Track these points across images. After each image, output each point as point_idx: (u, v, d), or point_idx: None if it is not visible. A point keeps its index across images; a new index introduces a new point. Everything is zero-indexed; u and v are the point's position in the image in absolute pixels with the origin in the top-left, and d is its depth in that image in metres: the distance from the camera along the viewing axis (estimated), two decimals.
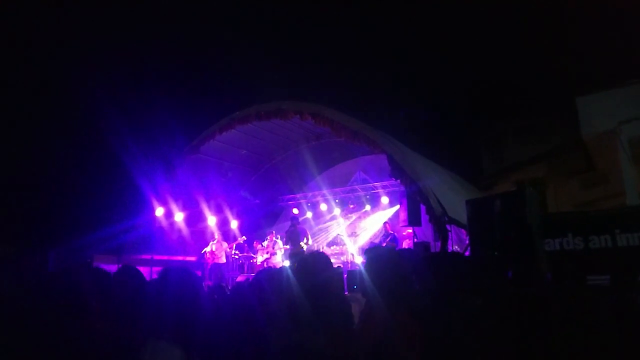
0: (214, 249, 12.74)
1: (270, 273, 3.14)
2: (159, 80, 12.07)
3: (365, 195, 15.05)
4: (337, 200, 15.42)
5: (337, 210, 15.37)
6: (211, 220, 14.29)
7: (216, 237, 13.21)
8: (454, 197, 10.10)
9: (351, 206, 15.42)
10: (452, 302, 2.70)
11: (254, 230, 15.18)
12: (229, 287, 11.50)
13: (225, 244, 13.05)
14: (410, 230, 12.35)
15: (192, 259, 13.81)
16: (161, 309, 2.42)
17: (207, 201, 14.12)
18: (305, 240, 12.24)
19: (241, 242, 13.54)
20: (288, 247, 12.53)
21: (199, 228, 14.36)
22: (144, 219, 12.20)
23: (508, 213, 5.07)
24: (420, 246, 10.61)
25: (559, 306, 3.04)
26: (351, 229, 15.10)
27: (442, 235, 9.56)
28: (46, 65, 10.52)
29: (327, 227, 15.78)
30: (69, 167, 11.25)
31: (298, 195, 16.21)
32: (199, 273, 12.55)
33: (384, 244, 12.08)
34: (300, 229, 12.56)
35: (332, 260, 10.12)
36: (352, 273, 9.40)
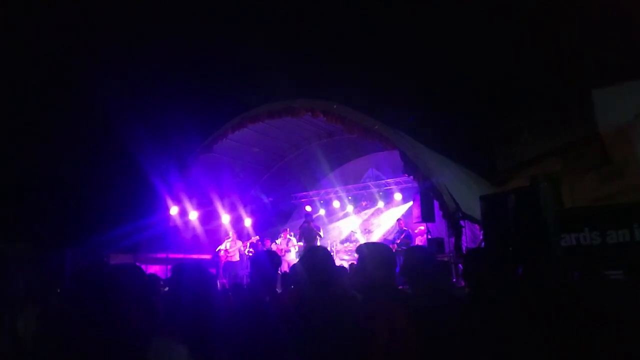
0: (228, 247, 12.80)
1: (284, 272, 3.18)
2: (173, 80, 12.15)
3: (378, 192, 15.00)
4: (350, 197, 15.40)
5: (350, 207, 15.36)
6: (225, 219, 14.36)
7: (230, 235, 13.28)
8: (468, 193, 10.03)
9: (364, 203, 15.39)
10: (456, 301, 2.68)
11: (267, 228, 15.23)
12: (244, 285, 11.57)
13: (239, 243, 13.11)
14: (423, 227, 12.30)
15: (207, 257, 13.88)
16: (173, 306, 2.43)
17: (221, 199, 14.19)
18: (318, 238, 12.26)
19: (254, 241, 13.58)
20: (302, 244, 12.55)
21: (213, 226, 14.43)
22: (158, 217, 12.30)
23: (523, 208, 5.00)
24: (434, 242, 10.56)
25: (584, 301, 3.00)
26: (364, 225, 15.08)
27: (455, 231, 9.51)
28: (64, 66, 10.63)
29: (341, 224, 15.78)
30: (85, 167, 11.38)
31: (311, 193, 16.21)
32: (213, 271, 12.62)
33: (398, 241, 12.05)
34: (313, 226, 12.58)
35: (346, 257, 10.19)
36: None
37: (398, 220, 12.96)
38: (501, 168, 12.28)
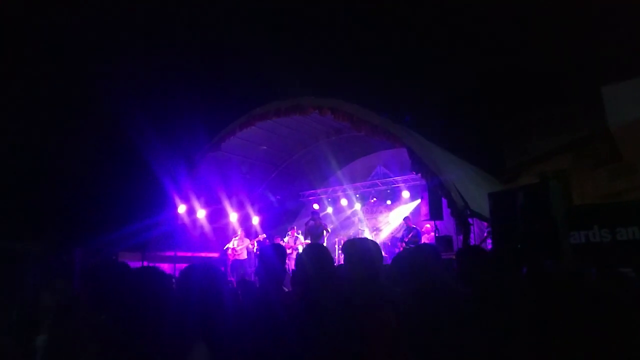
0: (235, 245, 12.84)
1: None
2: (181, 78, 12.19)
3: (386, 189, 14.97)
4: (357, 195, 15.39)
5: (357, 205, 15.35)
6: (233, 217, 14.40)
7: (238, 233, 13.31)
8: (476, 190, 9.99)
9: (372, 201, 15.38)
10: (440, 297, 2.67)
11: (275, 226, 15.25)
12: (252, 281, 11.60)
13: (247, 241, 13.14)
14: (429, 226, 12.28)
15: (215, 255, 13.93)
16: (186, 306, 2.42)
17: (229, 198, 14.22)
18: (325, 234, 12.27)
19: (261, 239, 13.61)
20: (309, 241, 12.56)
21: (221, 224, 14.48)
22: (166, 216, 12.35)
23: (531, 206, 4.98)
24: (442, 240, 10.54)
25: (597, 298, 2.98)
26: (372, 223, 15.07)
27: (464, 229, 9.47)
28: (72, 65, 10.70)
29: (348, 222, 15.77)
30: (94, 165, 11.45)
31: (319, 191, 16.22)
32: (222, 269, 12.67)
33: (406, 239, 12.04)
34: (319, 223, 12.58)
35: None
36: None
37: (406, 218, 12.93)
38: (510, 165, 12.21)
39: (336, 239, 14.73)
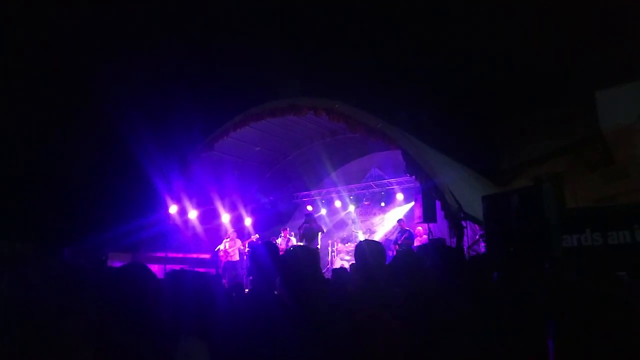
0: (227, 247, 12.74)
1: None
2: (174, 77, 12.12)
3: (381, 191, 14.94)
4: (352, 197, 15.35)
5: (351, 207, 15.31)
6: (225, 218, 14.31)
7: (230, 234, 13.22)
8: (470, 193, 9.97)
9: (366, 203, 15.34)
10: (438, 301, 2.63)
11: (268, 228, 15.17)
12: (243, 284, 11.53)
13: (239, 242, 13.05)
14: (420, 228, 12.25)
15: (206, 256, 13.84)
16: (177, 302, 2.49)
17: (222, 198, 14.14)
18: (319, 236, 12.20)
19: (254, 240, 13.53)
20: (302, 243, 12.48)
21: (213, 225, 14.39)
22: (158, 216, 12.26)
23: (525, 209, 4.95)
24: (436, 243, 10.49)
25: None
26: (366, 225, 15.02)
27: (457, 231, 9.44)
28: (65, 64, 10.62)
29: (342, 224, 15.73)
30: (85, 165, 11.35)
31: (312, 192, 16.16)
32: (213, 271, 12.57)
33: (400, 242, 11.99)
34: (314, 225, 12.52)
35: (347, 257, 10.18)
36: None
37: (400, 220, 12.89)
38: (504, 168, 12.21)
39: (330, 241, 14.68)
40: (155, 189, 11.70)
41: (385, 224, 14.79)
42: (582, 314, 2.85)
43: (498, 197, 6.02)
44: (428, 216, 10.58)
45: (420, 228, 12.28)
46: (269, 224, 15.47)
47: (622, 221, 4.38)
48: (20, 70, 10.07)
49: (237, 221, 14.69)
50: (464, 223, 9.54)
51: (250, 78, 12.55)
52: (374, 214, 15.21)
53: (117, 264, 11.59)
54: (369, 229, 14.73)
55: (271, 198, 15.87)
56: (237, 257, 12.76)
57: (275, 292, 3.04)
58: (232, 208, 14.63)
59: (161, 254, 12.52)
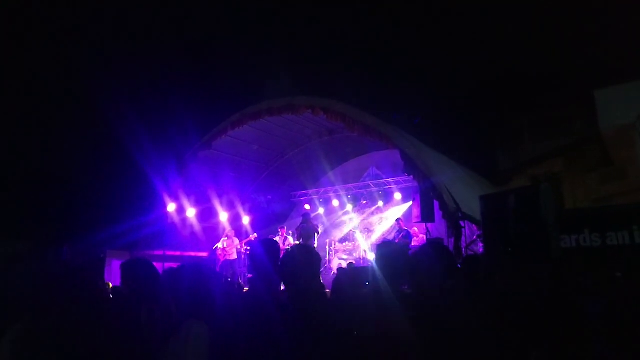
0: (225, 246, 12.73)
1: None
2: (172, 75, 12.07)
3: (378, 191, 14.95)
4: (349, 196, 15.36)
5: (349, 206, 15.32)
6: (223, 217, 14.30)
7: (228, 233, 13.21)
8: (468, 193, 9.97)
9: (364, 202, 15.35)
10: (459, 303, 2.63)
11: (266, 227, 15.16)
12: (241, 283, 11.51)
13: (236, 240, 13.04)
14: (417, 229, 12.26)
15: (204, 254, 13.83)
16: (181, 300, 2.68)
17: (219, 197, 14.14)
18: (315, 236, 12.20)
19: (252, 239, 13.51)
20: (299, 242, 12.48)
21: (211, 224, 14.38)
22: (156, 215, 12.22)
23: (522, 209, 4.93)
24: (433, 243, 10.50)
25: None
26: (364, 225, 15.03)
27: (455, 231, 9.45)
28: (60, 62, 10.58)
29: (340, 223, 15.73)
30: (82, 163, 11.31)
31: (310, 191, 16.16)
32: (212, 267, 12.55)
33: (397, 241, 12.00)
34: (311, 225, 12.51)
35: (344, 257, 10.14)
36: (364, 270, 9.28)
37: (398, 220, 12.90)
38: (502, 168, 12.20)
39: (327, 240, 14.68)
40: (153, 188, 11.66)
41: (383, 223, 14.80)
42: (578, 316, 2.85)
43: (496, 197, 6.00)
44: (426, 216, 10.59)
45: (416, 228, 12.31)
46: (266, 222, 15.46)
47: (621, 222, 4.37)
48: (17, 70, 10.04)
49: (235, 220, 14.68)
50: (462, 223, 9.55)
51: (247, 76, 12.51)
52: (372, 214, 15.22)
53: (116, 262, 11.59)
54: (367, 229, 14.74)
55: (269, 197, 15.86)
56: (235, 256, 12.75)
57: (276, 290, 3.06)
58: (230, 207, 14.62)
59: (159, 252, 12.50)
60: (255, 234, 13.68)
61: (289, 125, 13.54)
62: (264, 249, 2.96)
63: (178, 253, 12.97)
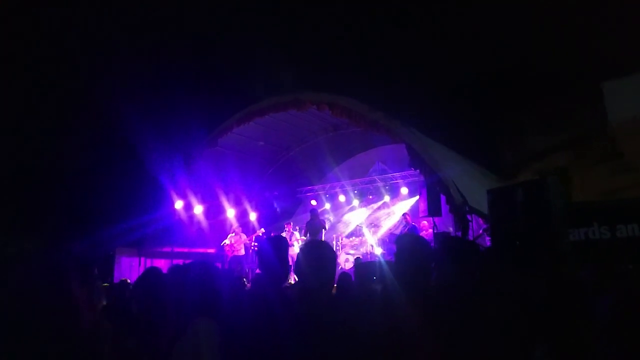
0: (233, 242, 12.78)
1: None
2: (177, 73, 12.09)
3: (385, 185, 14.93)
4: (355, 191, 15.35)
5: (355, 202, 15.31)
6: (230, 213, 14.35)
7: (235, 229, 13.25)
8: (475, 187, 9.94)
9: (370, 197, 15.34)
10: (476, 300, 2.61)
11: (273, 222, 15.20)
12: (248, 279, 11.56)
13: (244, 236, 13.09)
14: (426, 222, 12.23)
15: (211, 251, 13.89)
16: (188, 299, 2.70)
17: (226, 194, 14.18)
18: (322, 231, 12.22)
19: (260, 234, 13.55)
20: (306, 238, 12.51)
21: (218, 220, 14.44)
22: (163, 212, 12.28)
23: (530, 202, 4.92)
24: (441, 237, 10.48)
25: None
26: (371, 220, 15.02)
27: (462, 225, 9.43)
28: (69, 60, 10.62)
29: (347, 219, 15.74)
30: (90, 161, 11.37)
31: (316, 187, 16.17)
32: (219, 265, 12.62)
33: None
34: (318, 220, 12.53)
35: (351, 252, 10.15)
36: (372, 264, 9.26)
37: (404, 214, 12.88)
38: (509, 161, 12.14)
39: (334, 235, 14.69)
40: (161, 185, 11.71)
41: (390, 218, 14.79)
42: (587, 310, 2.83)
43: (503, 191, 5.98)
44: (433, 210, 10.57)
45: (425, 222, 12.28)
46: (273, 218, 15.50)
47: (630, 214, 4.35)
48: (26, 68, 10.09)
49: (242, 216, 14.73)
50: (469, 217, 9.52)
51: (252, 73, 12.50)
52: (379, 208, 15.21)
53: (125, 258, 11.67)
54: (374, 224, 14.73)
55: (275, 193, 15.89)
56: (242, 252, 12.80)
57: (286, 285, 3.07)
58: (237, 203, 14.67)
59: (167, 249, 12.58)
60: (263, 230, 13.72)
61: (294, 121, 13.53)
62: (271, 246, 2.96)
63: (186, 249, 13.04)
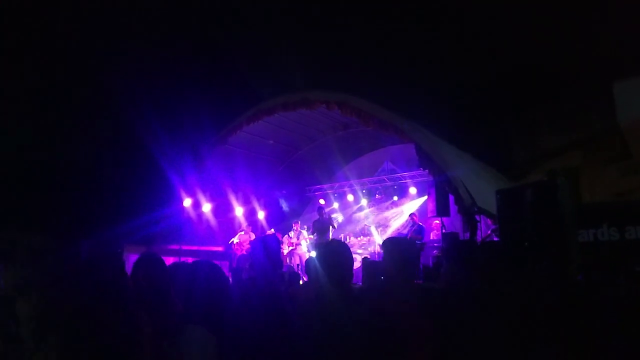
0: (241, 240, 12.82)
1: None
2: (187, 71, 12.16)
3: (393, 185, 14.92)
4: (364, 191, 15.35)
5: (364, 201, 15.30)
6: (238, 211, 14.40)
7: (244, 228, 13.30)
8: (484, 187, 9.90)
9: (378, 197, 15.33)
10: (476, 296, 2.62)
11: (281, 221, 15.24)
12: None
13: (253, 235, 13.13)
14: (438, 221, 12.19)
15: (219, 249, 13.95)
16: (192, 297, 2.57)
17: (235, 192, 14.23)
18: (331, 230, 12.23)
19: (270, 234, 13.56)
20: (314, 237, 12.53)
21: (227, 218, 14.49)
22: (172, 209, 12.36)
23: (539, 203, 4.89)
24: (449, 237, 10.46)
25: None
26: (379, 219, 15.01)
27: (471, 225, 9.40)
28: (79, 57, 10.71)
29: (355, 218, 15.74)
30: (100, 158, 11.47)
31: (325, 186, 16.18)
32: (227, 263, 12.68)
33: (409, 236, 12.00)
34: (326, 219, 12.54)
35: (359, 251, 10.16)
36: (379, 264, 9.27)
37: (411, 214, 12.87)
38: (518, 162, 12.08)
39: (342, 235, 14.69)
40: (170, 183, 11.79)
41: (398, 218, 14.77)
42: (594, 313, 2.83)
43: (512, 191, 5.96)
44: (441, 210, 10.54)
45: (437, 221, 12.24)
46: (281, 217, 15.53)
47: None
48: (36, 66, 10.18)
49: (251, 214, 14.78)
50: (477, 217, 9.49)
51: (262, 72, 12.54)
52: (387, 208, 15.19)
53: (133, 256, 11.72)
54: (382, 223, 14.72)
55: (283, 192, 15.92)
56: None
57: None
58: (245, 201, 14.71)
59: (175, 247, 12.65)
60: (273, 230, 13.76)
61: (304, 120, 13.55)
62: (262, 246, 2.97)
63: (194, 247, 13.10)
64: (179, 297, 2.77)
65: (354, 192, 15.42)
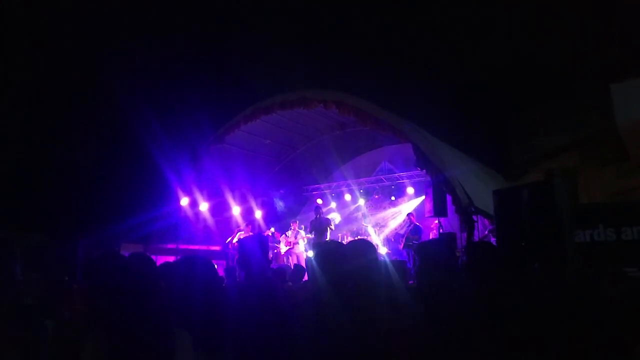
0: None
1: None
2: (185, 70, 12.14)
3: (391, 185, 14.91)
4: (361, 191, 15.33)
5: (361, 201, 15.29)
6: (235, 210, 14.37)
7: (243, 227, 13.27)
8: (481, 187, 9.90)
9: (376, 196, 15.32)
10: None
11: (278, 221, 15.21)
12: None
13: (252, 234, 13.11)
14: (437, 222, 12.19)
15: (217, 248, 13.92)
16: (182, 299, 2.54)
17: (232, 191, 14.20)
18: (329, 230, 12.21)
19: (270, 234, 13.54)
20: (311, 236, 12.50)
21: (224, 218, 14.47)
22: (169, 208, 12.33)
23: (536, 203, 4.91)
24: (446, 237, 10.46)
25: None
26: (376, 219, 15.01)
27: (468, 226, 9.40)
28: (74, 57, 10.68)
29: (352, 218, 15.73)
30: (97, 157, 11.45)
31: (322, 186, 16.16)
32: (224, 262, 12.66)
33: (406, 235, 12.02)
34: (324, 219, 12.52)
35: None
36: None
37: (409, 214, 12.86)
38: (516, 162, 12.09)
39: (339, 234, 14.68)
40: (167, 182, 11.76)
41: (395, 218, 14.77)
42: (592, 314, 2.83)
43: (509, 192, 5.97)
44: (438, 210, 10.54)
45: (437, 221, 12.25)
46: (279, 217, 15.51)
47: (636, 217, 4.33)
48: (36, 67, 10.17)
49: (248, 214, 14.75)
50: (474, 217, 9.49)
51: (260, 70, 12.53)
52: (384, 208, 15.19)
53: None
54: (379, 223, 14.72)
55: (281, 191, 15.90)
56: None
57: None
58: (243, 201, 14.69)
59: (172, 246, 12.62)
60: (273, 229, 13.74)
61: (301, 119, 13.53)
62: (251, 247, 2.95)
63: (191, 246, 13.08)
64: (168, 299, 2.69)
65: (351, 192, 15.40)
